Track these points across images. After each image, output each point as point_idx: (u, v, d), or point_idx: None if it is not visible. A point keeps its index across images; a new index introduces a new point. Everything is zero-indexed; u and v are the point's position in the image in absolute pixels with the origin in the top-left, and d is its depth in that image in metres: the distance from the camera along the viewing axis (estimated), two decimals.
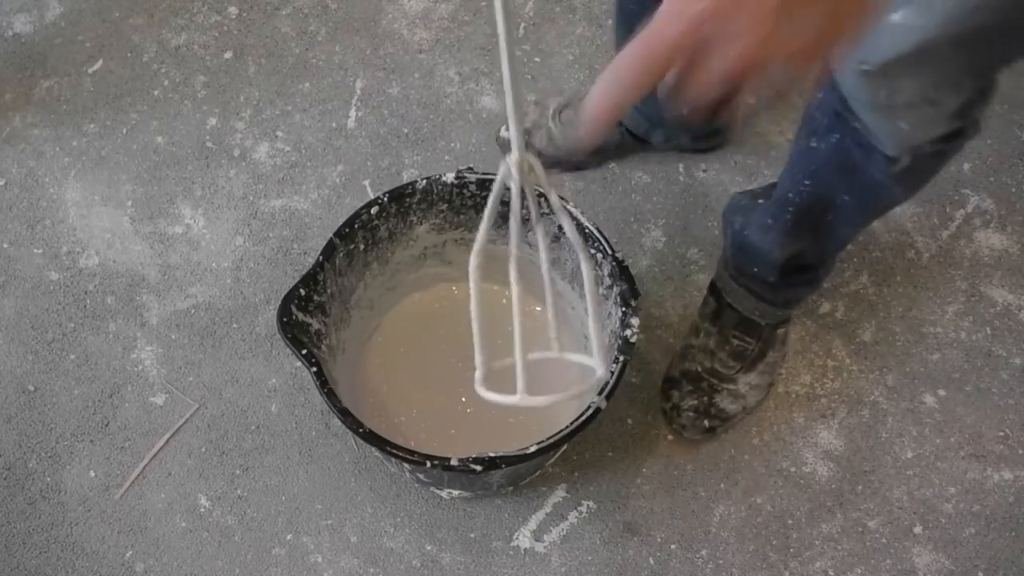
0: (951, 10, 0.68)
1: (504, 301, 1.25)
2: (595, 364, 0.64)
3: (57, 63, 1.49)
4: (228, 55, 1.50)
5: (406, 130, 1.43)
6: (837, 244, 1.08)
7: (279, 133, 1.43)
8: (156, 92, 1.46)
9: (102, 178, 1.39)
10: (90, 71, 1.48)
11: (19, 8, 1.54)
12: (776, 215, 1.04)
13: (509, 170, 0.62)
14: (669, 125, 1.31)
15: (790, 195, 1.00)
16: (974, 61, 0.74)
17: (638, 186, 1.38)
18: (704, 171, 1.40)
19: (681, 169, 1.40)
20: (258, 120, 1.44)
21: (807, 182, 0.97)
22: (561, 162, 1.36)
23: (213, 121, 1.44)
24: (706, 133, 1.35)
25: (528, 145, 0.58)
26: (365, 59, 1.50)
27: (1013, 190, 1.39)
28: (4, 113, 1.44)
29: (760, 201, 1.12)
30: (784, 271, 1.10)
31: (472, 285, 0.67)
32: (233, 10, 1.54)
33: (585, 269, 0.66)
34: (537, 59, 1.49)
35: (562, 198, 1.06)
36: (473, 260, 0.67)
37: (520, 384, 0.64)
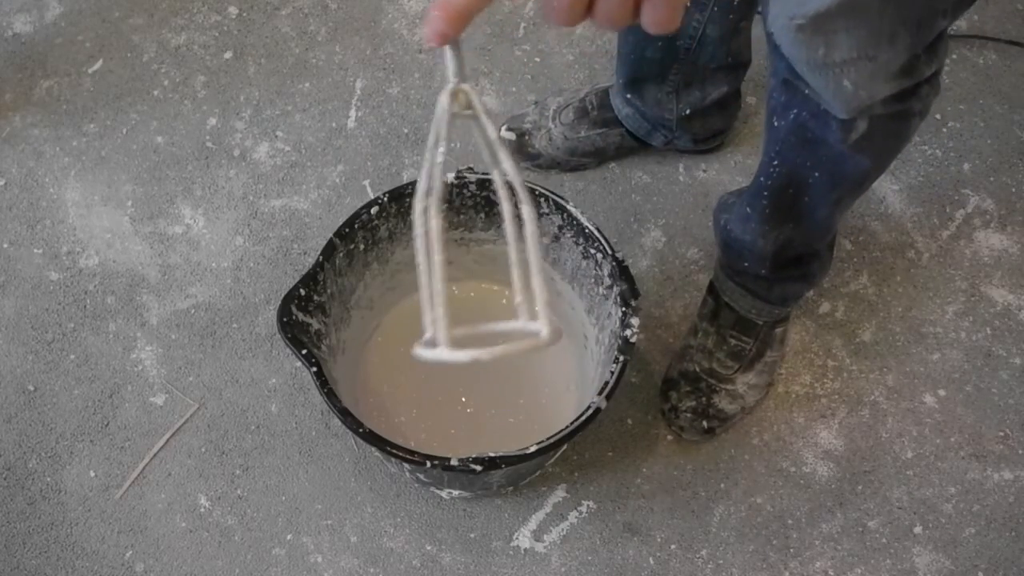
0: None
1: (504, 301, 1.25)
2: (538, 326, 0.58)
3: (57, 63, 1.49)
4: (228, 55, 1.50)
5: (406, 130, 1.43)
6: (820, 228, 1.07)
7: (279, 133, 1.43)
8: (156, 92, 1.46)
9: (102, 178, 1.39)
10: (90, 71, 1.48)
11: (19, 8, 1.54)
12: (753, 203, 1.05)
13: (444, 102, 0.56)
14: (669, 127, 1.31)
15: (762, 179, 1.01)
16: (904, 11, 0.75)
17: (638, 186, 1.38)
18: (704, 171, 1.40)
19: (681, 169, 1.40)
20: (258, 120, 1.44)
21: (775, 163, 0.98)
22: (560, 163, 1.36)
23: (213, 121, 1.44)
24: (707, 135, 1.36)
25: (463, 77, 0.54)
26: (365, 59, 1.50)
27: (1013, 190, 1.39)
28: (4, 113, 1.44)
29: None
30: (775, 264, 1.10)
31: (417, 230, 0.58)
32: (233, 10, 1.55)
33: (526, 211, 0.57)
34: (537, 59, 1.49)
35: (562, 197, 1.07)
36: (417, 205, 0.58)
37: (441, 334, 0.56)
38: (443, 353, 0.56)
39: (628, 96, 1.29)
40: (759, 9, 0.86)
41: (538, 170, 1.38)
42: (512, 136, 1.36)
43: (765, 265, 1.10)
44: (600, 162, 1.38)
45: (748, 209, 1.06)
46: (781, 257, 1.09)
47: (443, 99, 0.57)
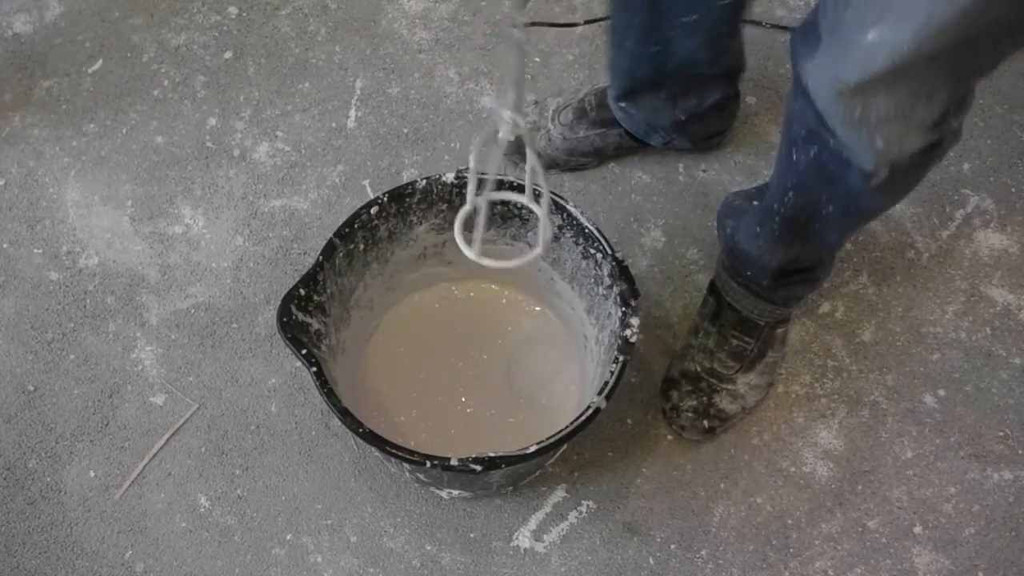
0: (923, 28, 0.69)
1: (504, 301, 1.25)
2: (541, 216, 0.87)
3: (57, 63, 1.49)
4: (228, 55, 1.50)
5: (406, 130, 1.43)
6: (829, 247, 1.09)
7: (279, 133, 1.43)
8: (156, 92, 1.46)
9: (102, 178, 1.39)
10: (90, 71, 1.48)
11: (19, 8, 1.54)
12: (763, 223, 1.05)
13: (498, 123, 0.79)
14: (667, 128, 1.31)
15: (775, 205, 1.01)
16: (946, 73, 0.75)
17: (638, 186, 1.38)
18: (704, 171, 1.40)
19: (681, 169, 1.40)
20: (258, 120, 1.44)
21: (790, 193, 0.98)
22: (560, 163, 1.36)
23: (213, 121, 1.44)
24: (705, 136, 1.35)
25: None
26: (365, 59, 1.50)
27: (1013, 190, 1.39)
28: (4, 113, 1.44)
29: (754, 203, 1.12)
30: (778, 274, 1.10)
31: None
32: (233, 10, 1.55)
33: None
34: (537, 59, 1.49)
35: (561, 197, 1.07)
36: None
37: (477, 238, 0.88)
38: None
39: (623, 104, 1.29)
40: (801, 34, 0.85)
41: None
42: (511, 137, 1.36)
43: (768, 276, 1.11)
44: (600, 162, 1.38)
45: (758, 228, 1.06)
46: (785, 269, 1.09)
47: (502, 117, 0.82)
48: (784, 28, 1.49)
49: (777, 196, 1.00)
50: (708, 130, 1.34)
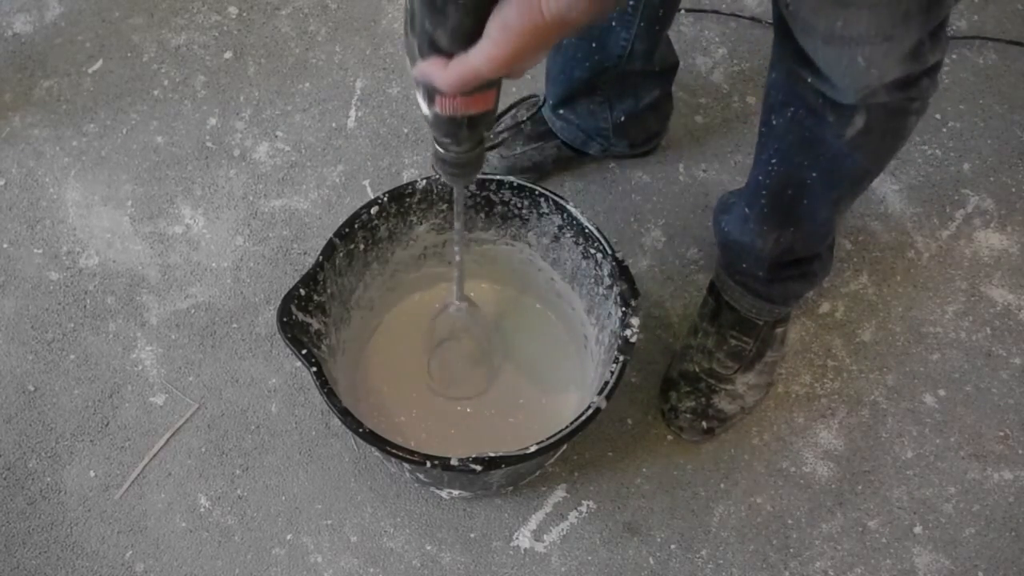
0: None
1: (504, 301, 1.25)
2: None
3: (57, 63, 1.49)
4: (228, 55, 1.50)
5: (406, 130, 1.43)
6: (820, 230, 1.07)
7: (279, 133, 1.43)
8: (156, 92, 1.47)
9: (102, 178, 1.39)
10: (90, 71, 1.48)
11: (19, 8, 1.54)
12: (751, 203, 1.05)
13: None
14: (605, 135, 1.31)
15: (760, 178, 1.01)
16: None
17: (638, 186, 1.38)
18: (704, 171, 1.40)
19: (681, 169, 1.40)
20: (258, 120, 1.44)
21: (773, 160, 0.98)
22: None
23: (213, 121, 1.44)
24: (643, 139, 1.35)
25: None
26: (365, 59, 1.50)
27: (1013, 190, 1.39)
28: (4, 113, 1.44)
29: None
30: (774, 265, 1.10)
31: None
32: (233, 10, 1.55)
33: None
34: None
35: (562, 197, 1.07)
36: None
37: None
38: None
39: (561, 112, 1.29)
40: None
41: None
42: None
43: (763, 267, 1.10)
44: (539, 177, 1.36)
45: (746, 210, 1.06)
46: (780, 261, 1.09)
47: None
48: None
49: (761, 168, 1.01)
50: (646, 131, 1.34)
